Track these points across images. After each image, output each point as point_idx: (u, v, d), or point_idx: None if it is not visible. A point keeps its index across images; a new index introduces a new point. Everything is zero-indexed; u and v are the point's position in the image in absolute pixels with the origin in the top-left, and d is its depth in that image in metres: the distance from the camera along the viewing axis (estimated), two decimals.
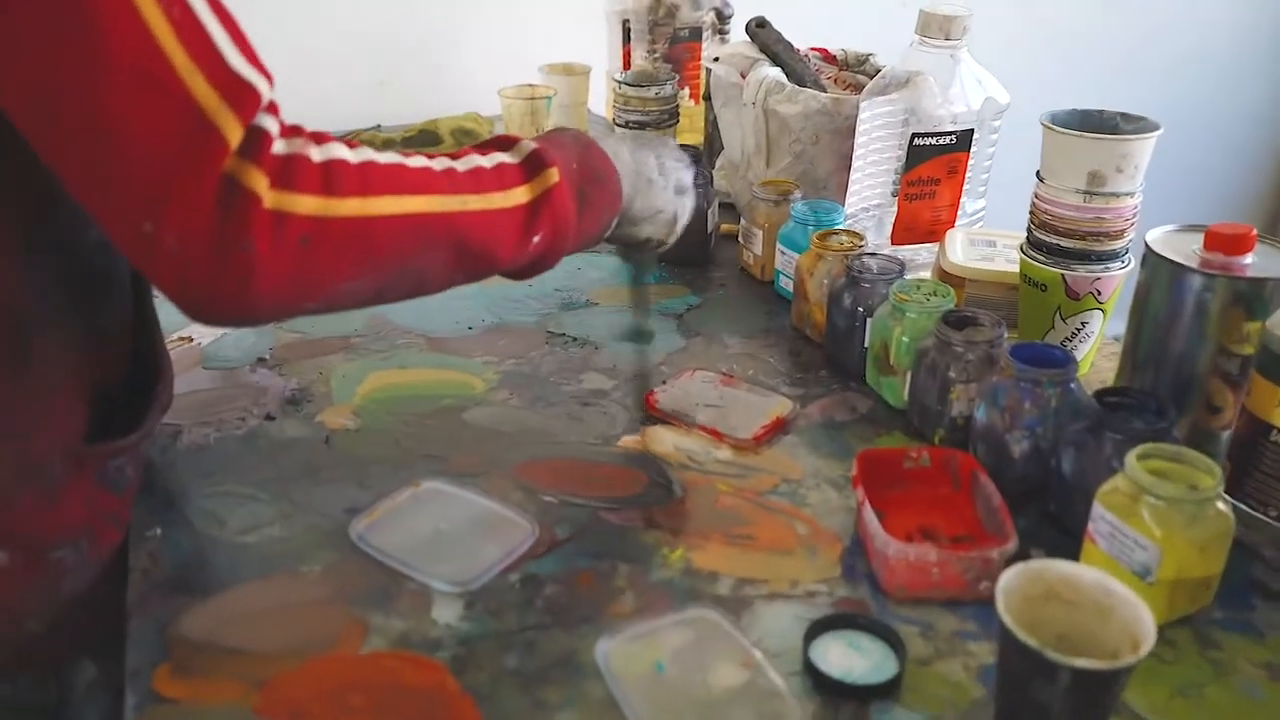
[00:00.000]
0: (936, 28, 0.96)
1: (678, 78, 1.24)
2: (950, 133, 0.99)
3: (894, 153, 1.04)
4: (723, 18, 1.39)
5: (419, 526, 0.70)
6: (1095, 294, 0.84)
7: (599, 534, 0.70)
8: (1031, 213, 0.86)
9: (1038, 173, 0.85)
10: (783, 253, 1.01)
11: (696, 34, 1.38)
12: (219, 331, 0.95)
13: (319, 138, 0.54)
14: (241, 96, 0.49)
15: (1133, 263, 0.84)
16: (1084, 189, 0.81)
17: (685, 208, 0.77)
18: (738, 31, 1.38)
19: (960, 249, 0.97)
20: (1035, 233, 0.86)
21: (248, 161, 0.49)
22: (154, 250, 0.49)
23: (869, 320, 0.86)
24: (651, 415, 0.83)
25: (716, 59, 1.20)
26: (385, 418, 0.83)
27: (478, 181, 0.60)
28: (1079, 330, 0.87)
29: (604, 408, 0.85)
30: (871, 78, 1.20)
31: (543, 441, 0.80)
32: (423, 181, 0.57)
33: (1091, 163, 0.80)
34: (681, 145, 1.20)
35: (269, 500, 0.73)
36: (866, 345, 0.86)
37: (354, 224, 0.53)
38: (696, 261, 1.10)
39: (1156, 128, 0.80)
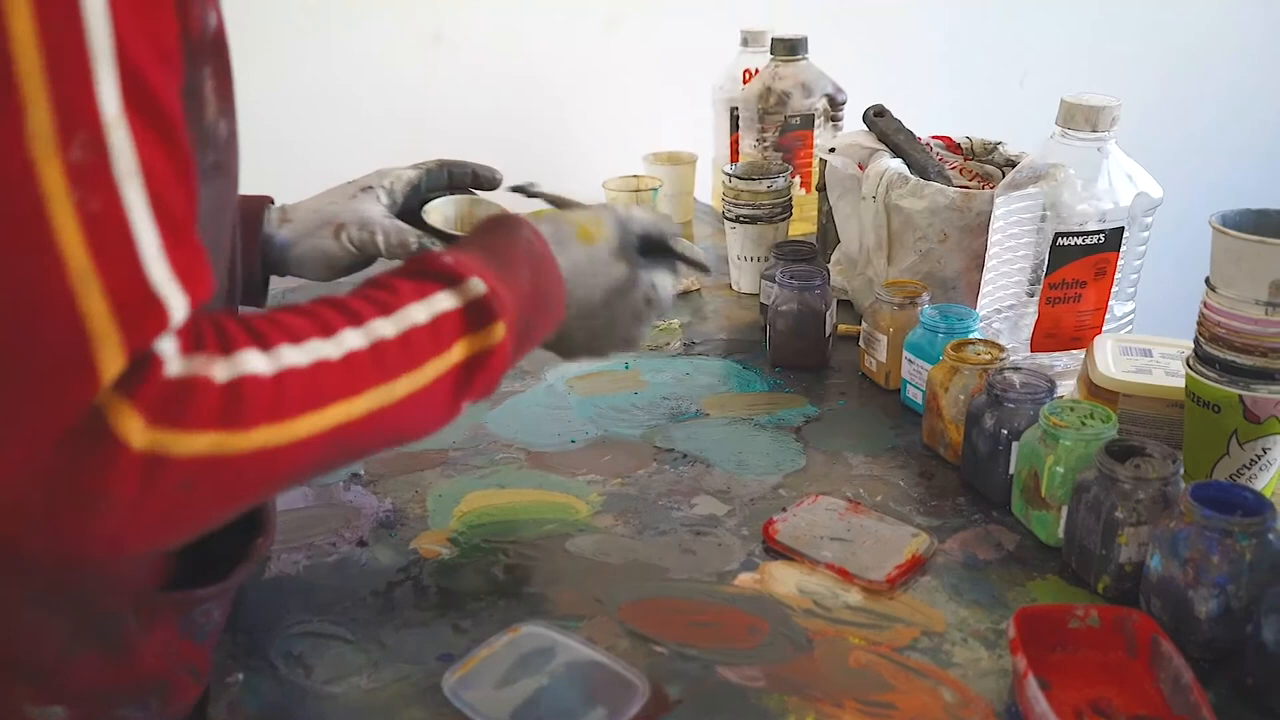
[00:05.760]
0: (1082, 119, 0.88)
1: (790, 169, 1.19)
2: (1098, 231, 0.91)
3: (1029, 250, 0.95)
4: (835, 104, 1.33)
5: (518, 680, 0.63)
6: None
7: (716, 695, 0.62)
8: (1200, 323, 0.77)
9: (1207, 279, 0.75)
10: (910, 361, 0.93)
11: (808, 121, 1.32)
12: None
13: (230, 341, 0.45)
14: (142, 316, 0.41)
15: None
16: (1265, 300, 0.71)
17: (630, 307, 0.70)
18: (851, 119, 1.32)
19: (1111, 359, 0.87)
20: (1206, 346, 0.76)
21: (121, 397, 0.41)
22: None
23: (1014, 444, 0.77)
24: (771, 548, 0.76)
25: (832, 149, 1.14)
26: (483, 546, 0.77)
27: (409, 353, 0.52)
28: (1258, 458, 0.76)
29: (718, 537, 0.77)
30: (1000, 167, 1.13)
31: (652, 577, 0.73)
32: (347, 378, 0.49)
33: (1274, 271, 0.71)
34: (793, 241, 1.14)
35: (358, 642, 0.67)
36: (1012, 472, 0.77)
37: (258, 457, 0.45)
38: (813, 366, 1.03)
39: None
